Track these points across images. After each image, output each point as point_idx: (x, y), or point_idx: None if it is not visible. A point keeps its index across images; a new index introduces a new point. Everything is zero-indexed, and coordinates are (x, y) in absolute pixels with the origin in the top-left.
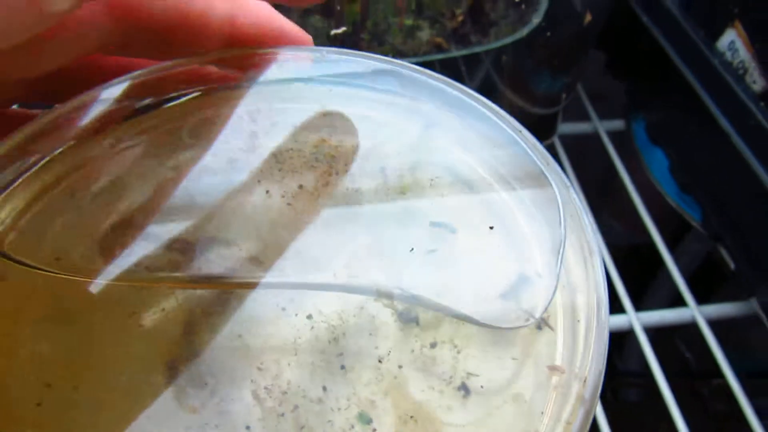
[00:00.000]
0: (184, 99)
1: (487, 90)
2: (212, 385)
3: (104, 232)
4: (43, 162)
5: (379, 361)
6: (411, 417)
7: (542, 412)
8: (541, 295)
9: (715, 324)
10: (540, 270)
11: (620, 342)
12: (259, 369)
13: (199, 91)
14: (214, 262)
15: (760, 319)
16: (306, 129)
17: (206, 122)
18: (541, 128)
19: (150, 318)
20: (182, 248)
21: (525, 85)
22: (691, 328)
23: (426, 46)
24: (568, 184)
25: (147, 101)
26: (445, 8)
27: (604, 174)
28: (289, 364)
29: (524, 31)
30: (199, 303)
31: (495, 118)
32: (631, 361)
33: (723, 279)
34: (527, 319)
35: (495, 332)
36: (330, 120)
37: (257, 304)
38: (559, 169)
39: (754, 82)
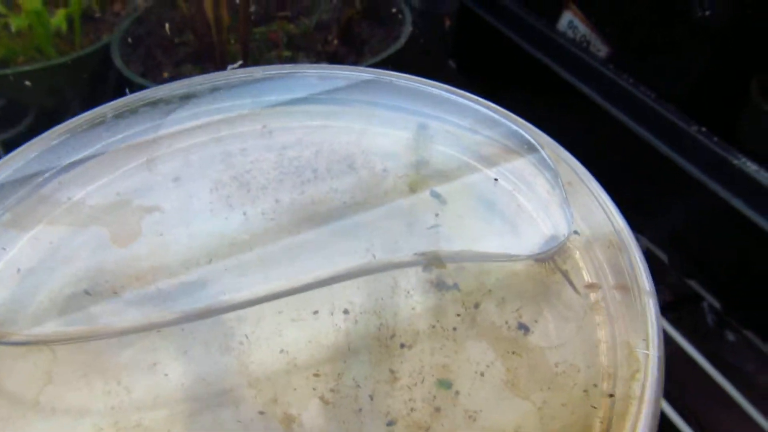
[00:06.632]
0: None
1: None
2: (273, 407)
3: None
4: None
5: (433, 329)
6: (488, 366)
7: (597, 324)
8: (560, 224)
9: None
10: (547, 211)
11: None
12: (316, 376)
13: None
14: (225, 294)
15: None
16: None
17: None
18: None
19: (174, 361)
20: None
21: None
22: None
23: None
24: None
25: None
26: (317, 38)
27: None
28: (345, 361)
29: (402, 40)
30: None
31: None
32: None
33: None
34: (561, 239)
35: (529, 276)
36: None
37: (284, 316)
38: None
39: (599, 50)
